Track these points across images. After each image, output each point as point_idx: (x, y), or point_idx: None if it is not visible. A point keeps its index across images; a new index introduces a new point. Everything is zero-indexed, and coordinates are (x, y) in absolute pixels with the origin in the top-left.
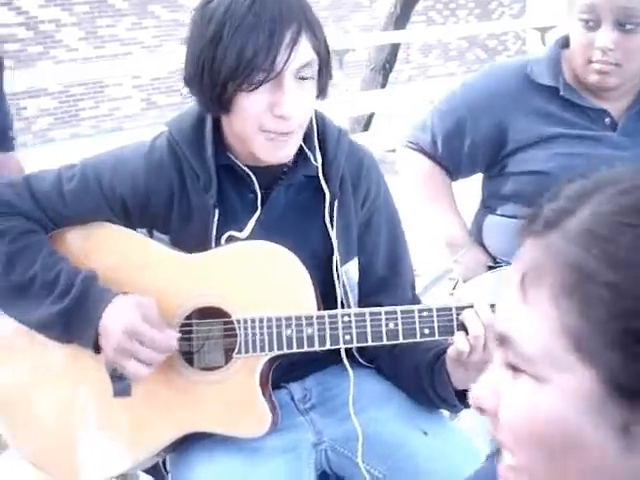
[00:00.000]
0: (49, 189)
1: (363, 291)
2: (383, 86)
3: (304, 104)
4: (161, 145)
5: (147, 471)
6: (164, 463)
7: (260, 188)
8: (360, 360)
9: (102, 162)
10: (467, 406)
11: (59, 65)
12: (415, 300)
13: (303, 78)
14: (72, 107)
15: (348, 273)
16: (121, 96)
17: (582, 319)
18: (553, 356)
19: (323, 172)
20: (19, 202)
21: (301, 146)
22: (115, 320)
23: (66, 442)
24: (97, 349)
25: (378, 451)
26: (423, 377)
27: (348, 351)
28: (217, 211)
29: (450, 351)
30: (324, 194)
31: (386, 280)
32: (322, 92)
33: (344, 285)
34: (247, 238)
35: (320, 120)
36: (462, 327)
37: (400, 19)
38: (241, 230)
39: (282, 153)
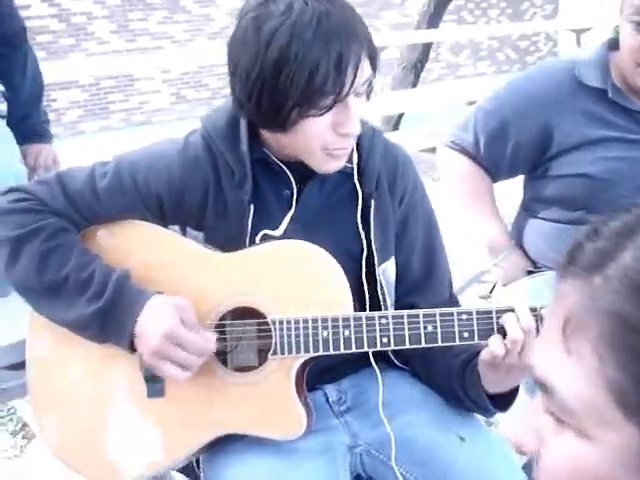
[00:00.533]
0: (82, 186)
1: (399, 291)
2: (414, 85)
3: (361, 117)
4: (195, 141)
5: (180, 470)
6: (197, 462)
7: (296, 185)
8: (395, 362)
9: (136, 159)
10: (500, 410)
11: (90, 58)
12: (452, 299)
13: (360, 93)
14: (102, 100)
15: (385, 273)
16: (151, 90)
17: (626, 373)
18: (598, 412)
19: (358, 171)
20: (52, 200)
21: None
22: (153, 323)
23: (98, 441)
24: (133, 349)
25: (414, 456)
26: (455, 379)
27: (382, 353)
28: (252, 207)
29: (484, 354)
30: (358, 192)
31: (422, 280)
32: (368, 98)
33: (381, 286)
34: (281, 236)
35: None
36: (501, 330)
37: (433, 18)
38: (275, 227)
39: (338, 164)
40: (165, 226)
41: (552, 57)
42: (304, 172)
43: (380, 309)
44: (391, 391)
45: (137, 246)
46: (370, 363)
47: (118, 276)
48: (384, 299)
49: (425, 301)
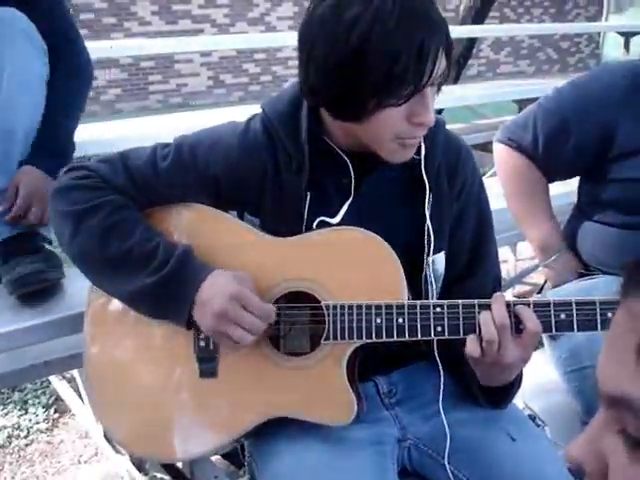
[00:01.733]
0: (144, 166)
1: (445, 284)
2: (455, 81)
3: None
4: (255, 126)
5: (224, 456)
6: (242, 449)
7: (355, 173)
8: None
9: (197, 141)
10: (497, 407)
11: (131, 38)
12: None
13: (435, 84)
14: (141, 80)
15: (435, 264)
16: (189, 72)
17: None
18: None
19: (418, 162)
20: (114, 178)
21: None
22: (217, 288)
23: (148, 420)
24: (189, 324)
25: (464, 453)
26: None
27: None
28: (309, 195)
29: (465, 352)
30: (419, 184)
31: (468, 273)
32: (439, 89)
33: (429, 276)
34: (338, 223)
35: None
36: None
37: (479, 13)
38: (333, 216)
39: (408, 154)
40: (223, 210)
41: (594, 59)
42: (364, 161)
43: (424, 299)
44: (444, 387)
45: (196, 228)
46: (422, 357)
47: (182, 250)
48: (427, 291)
49: (466, 296)
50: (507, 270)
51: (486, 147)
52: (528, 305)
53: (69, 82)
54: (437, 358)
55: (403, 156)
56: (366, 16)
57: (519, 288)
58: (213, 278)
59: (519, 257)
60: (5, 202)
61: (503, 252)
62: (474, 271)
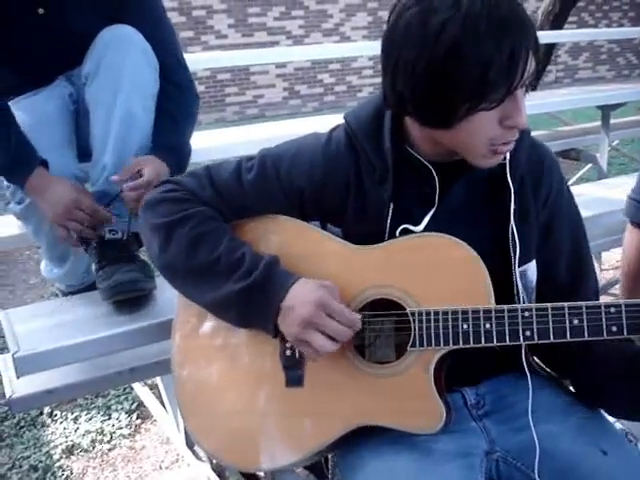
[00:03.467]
0: (229, 179)
1: (543, 295)
2: (535, 87)
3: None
4: (338, 136)
5: (308, 468)
6: (325, 460)
7: (438, 183)
8: (540, 367)
9: (280, 153)
10: None
11: (209, 51)
12: None
13: (526, 86)
14: (218, 92)
15: (526, 275)
16: (265, 84)
17: None
18: None
19: (502, 170)
20: (201, 191)
21: None
22: (303, 295)
23: (235, 428)
24: (275, 331)
25: (554, 467)
26: (610, 383)
27: (527, 359)
28: (392, 205)
29: None
30: (503, 190)
31: (569, 286)
32: (527, 91)
33: (518, 287)
34: (421, 232)
35: None
36: None
37: (558, 18)
38: (416, 225)
39: (498, 160)
40: (307, 221)
41: None
42: (447, 170)
43: None
44: (535, 399)
45: (281, 239)
46: (511, 368)
47: (268, 259)
48: (519, 300)
49: None
50: None
51: (567, 155)
52: None
53: (182, 96)
54: (526, 368)
55: (493, 162)
56: (455, 20)
57: (603, 299)
58: (299, 286)
59: (603, 267)
60: (124, 174)
61: None
62: (575, 286)
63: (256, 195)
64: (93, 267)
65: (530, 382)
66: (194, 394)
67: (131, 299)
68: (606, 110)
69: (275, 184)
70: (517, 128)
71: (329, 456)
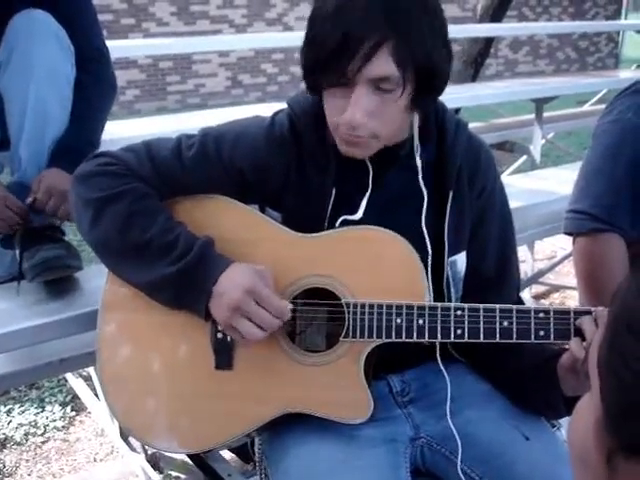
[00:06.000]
0: (168, 156)
1: (468, 288)
2: (474, 79)
3: (380, 116)
4: (281, 121)
5: (233, 450)
6: (252, 444)
7: (374, 169)
8: (454, 354)
9: (223, 132)
10: (570, 413)
11: (149, 39)
12: (519, 303)
13: (381, 89)
14: (159, 81)
15: (455, 266)
16: (207, 73)
17: None
18: None
19: (440, 161)
20: (138, 166)
21: (420, 133)
22: (234, 280)
23: (161, 410)
24: (206, 315)
25: (477, 453)
26: (527, 381)
27: (443, 346)
28: (334, 191)
29: (564, 358)
30: (440, 180)
31: (494, 279)
32: (418, 105)
33: (448, 277)
34: (360, 220)
35: (441, 111)
36: (578, 333)
37: (497, 12)
38: (353, 212)
39: (357, 152)
40: (246, 203)
41: (612, 58)
42: (385, 159)
43: (443, 301)
44: (457, 386)
45: (217, 220)
46: (435, 357)
47: (203, 241)
48: (449, 292)
49: (494, 301)
50: (524, 270)
51: (502, 146)
52: None
53: (96, 88)
54: (440, 363)
55: (348, 151)
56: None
57: (536, 288)
58: (231, 271)
59: (537, 256)
60: (31, 194)
61: (521, 252)
62: (501, 280)
63: (196, 174)
64: (17, 253)
65: (446, 375)
66: (118, 373)
67: (57, 281)
68: (539, 103)
69: (216, 164)
70: (345, 122)
71: (256, 440)
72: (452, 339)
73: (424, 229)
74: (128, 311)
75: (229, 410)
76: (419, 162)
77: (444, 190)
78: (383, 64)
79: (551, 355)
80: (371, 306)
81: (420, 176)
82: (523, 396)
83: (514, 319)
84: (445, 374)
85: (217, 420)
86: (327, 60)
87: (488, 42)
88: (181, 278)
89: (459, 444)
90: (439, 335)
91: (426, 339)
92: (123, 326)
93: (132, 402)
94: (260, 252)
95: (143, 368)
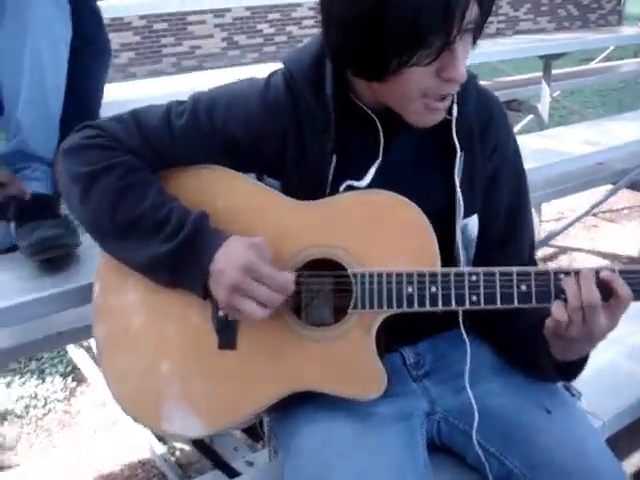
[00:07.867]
0: (158, 124)
1: (479, 248)
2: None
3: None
4: (276, 82)
5: (244, 431)
6: (261, 424)
7: (383, 134)
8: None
9: (214, 98)
10: (566, 379)
11: None
12: (532, 263)
13: (465, 31)
14: (154, 43)
15: (467, 228)
16: (203, 34)
17: None
18: None
19: (449, 121)
20: (127, 138)
21: None
22: (232, 258)
23: (163, 393)
24: (205, 294)
25: (495, 427)
26: (527, 345)
27: (453, 319)
28: (335, 157)
29: (548, 322)
30: (450, 145)
31: (505, 238)
32: (475, 40)
33: (459, 240)
34: (366, 187)
35: None
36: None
37: None
38: (360, 179)
39: (435, 118)
40: (242, 172)
41: (615, 15)
42: (392, 121)
43: (454, 265)
44: (474, 358)
45: (214, 191)
46: (449, 327)
47: (196, 217)
48: (458, 257)
49: (503, 262)
50: None
51: (509, 105)
52: (613, 271)
53: (87, 50)
54: (463, 330)
55: (430, 120)
56: None
57: (543, 251)
58: (228, 247)
59: (543, 219)
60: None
61: None
62: (511, 237)
63: (187, 143)
64: (12, 226)
65: (468, 343)
66: (115, 356)
67: (55, 258)
68: (548, 60)
69: (208, 132)
70: (453, 81)
71: (265, 420)
72: (467, 306)
73: (435, 192)
74: (124, 289)
75: (235, 391)
76: (453, 122)
77: (454, 151)
78: (475, 10)
79: (542, 318)
80: (380, 275)
81: (454, 135)
82: (525, 362)
83: (532, 282)
84: (466, 339)
85: (224, 401)
86: (428, 31)
87: None
88: (175, 257)
89: (476, 416)
90: (453, 303)
91: (440, 308)
92: (120, 307)
93: (136, 390)
94: (260, 223)
95: (145, 352)
